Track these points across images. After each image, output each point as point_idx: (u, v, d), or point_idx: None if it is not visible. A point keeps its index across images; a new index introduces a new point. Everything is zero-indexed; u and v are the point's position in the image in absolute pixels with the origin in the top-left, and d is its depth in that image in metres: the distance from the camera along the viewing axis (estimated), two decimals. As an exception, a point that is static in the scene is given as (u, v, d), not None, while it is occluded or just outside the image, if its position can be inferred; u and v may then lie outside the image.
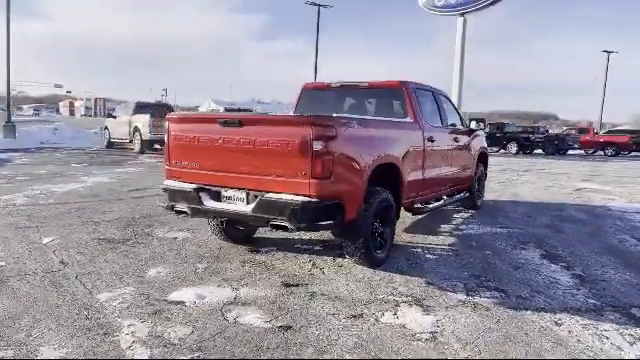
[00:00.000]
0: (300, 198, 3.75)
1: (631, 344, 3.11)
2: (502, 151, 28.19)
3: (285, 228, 3.86)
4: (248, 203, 4.07)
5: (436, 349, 2.94)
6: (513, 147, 27.81)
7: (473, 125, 7.05)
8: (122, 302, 3.54)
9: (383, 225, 4.53)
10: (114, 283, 3.92)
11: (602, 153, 32.06)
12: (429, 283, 4.12)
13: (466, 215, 7.24)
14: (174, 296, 3.69)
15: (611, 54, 48.91)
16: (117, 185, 9.34)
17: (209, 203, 4.21)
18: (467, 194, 7.06)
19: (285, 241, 5.38)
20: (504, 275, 4.41)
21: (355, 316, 3.40)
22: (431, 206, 5.70)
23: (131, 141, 18.43)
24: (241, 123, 4.00)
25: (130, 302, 3.54)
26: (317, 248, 5.13)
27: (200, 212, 4.33)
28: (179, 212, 4.41)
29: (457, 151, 6.44)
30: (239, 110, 21.00)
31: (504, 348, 2.98)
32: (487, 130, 29.08)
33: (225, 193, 4.18)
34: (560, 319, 3.44)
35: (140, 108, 18.42)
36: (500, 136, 28.62)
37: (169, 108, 19.72)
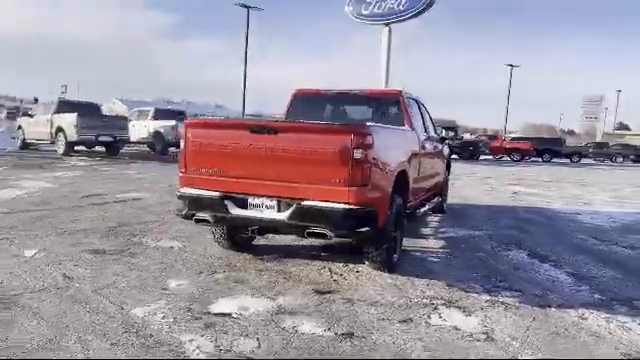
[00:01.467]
0: (341, 205, 3.78)
1: (651, 333, 3.49)
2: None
3: (323, 236, 3.87)
4: (279, 211, 4.02)
5: (500, 348, 3.11)
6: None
7: (444, 133, 7.43)
8: (165, 317, 3.35)
9: (396, 230, 4.67)
10: (141, 297, 3.70)
11: (508, 158, 34.86)
12: (450, 285, 4.31)
13: (436, 219, 7.59)
14: (215, 308, 3.56)
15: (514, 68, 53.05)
16: (64, 191, 8.65)
17: (236, 211, 4.10)
18: (439, 199, 7.41)
19: (285, 247, 5.34)
20: (509, 275, 4.73)
21: (405, 320, 3.49)
22: (422, 210, 5.93)
23: (53, 142, 17.09)
24: (275, 131, 3.95)
25: (173, 316, 3.36)
26: (323, 254, 5.15)
27: (225, 220, 4.20)
28: (199, 221, 4.24)
29: (436, 158, 6.76)
30: (181, 113, 20.67)
31: (557, 343, 3.22)
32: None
33: (253, 201, 4.09)
34: (583, 314, 3.78)
35: (64, 106, 17.15)
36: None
37: (96, 107, 18.56)
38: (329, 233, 3.80)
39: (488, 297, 4.06)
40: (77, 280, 4.01)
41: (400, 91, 5.60)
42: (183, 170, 4.32)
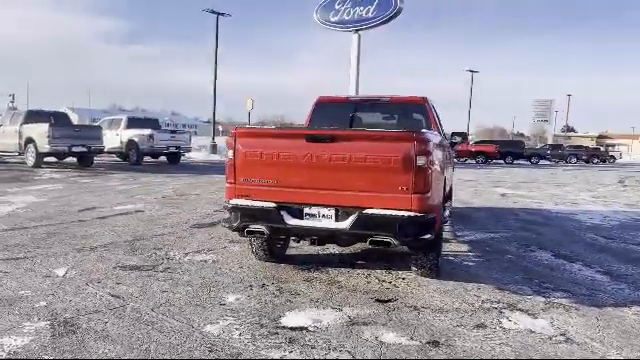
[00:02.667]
0: (405, 213, 3.76)
1: None
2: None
3: (387, 244, 3.84)
4: (337, 220, 3.96)
5: (585, 349, 3.16)
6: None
7: (455, 139, 7.53)
8: (242, 333, 3.23)
9: (442, 235, 4.69)
10: (205, 314, 3.55)
11: (474, 161, 35.82)
12: (500, 288, 4.35)
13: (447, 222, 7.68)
14: (287, 322, 3.45)
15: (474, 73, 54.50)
16: (57, 205, 8.25)
17: (292, 221, 4.01)
18: (450, 202, 7.51)
19: (316, 257, 5.29)
20: (549, 276, 4.82)
21: (480, 326, 3.50)
22: (447, 214, 5.98)
23: (21, 154, 16.32)
24: (333, 139, 3.89)
25: (251, 332, 3.24)
26: (358, 262, 5.11)
27: (281, 231, 4.10)
28: (251, 232, 4.12)
29: (451, 162, 6.85)
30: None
31: (634, 341, 3.30)
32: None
33: (309, 210, 4.01)
34: (638, 311, 3.89)
35: (32, 116, 16.42)
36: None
37: (65, 116, 17.87)
38: (394, 241, 3.77)
39: (542, 299, 4.12)
40: (128, 299, 3.81)
41: (425, 97, 5.65)
42: (232, 181, 4.19)
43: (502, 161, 36.93)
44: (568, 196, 12.58)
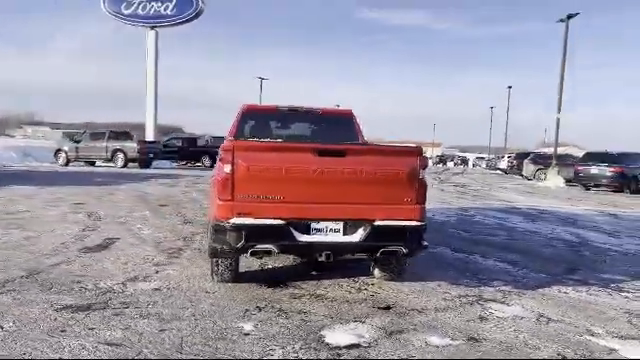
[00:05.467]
0: (411, 222, 4.02)
1: None
2: (197, 164, 29.24)
3: (394, 253, 4.03)
4: (345, 233, 3.99)
5: (571, 324, 3.90)
6: (207, 161, 29.15)
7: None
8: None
9: None
10: (247, 349, 3.22)
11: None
12: (454, 284, 4.94)
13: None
14: (334, 341, 3.38)
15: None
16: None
17: (303, 238, 3.87)
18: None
19: (269, 273, 5.15)
20: (472, 269, 5.64)
21: (482, 318, 3.98)
22: None
23: None
24: (344, 153, 3.90)
25: (317, 357, 3.10)
26: (313, 273, 5.13)
27: (291, 248, 3.91)
28: (256, 253, 3.83)
29: None
30: None
31: (591, 314, 4.21)
32: (178, 144, 29.73)
33: (316, 225, 3.93)
34: (559, 289, 4.91)
35: None
36: (192, 150, 29.66)
37: None
38: (404, 250, 3.99)
39: (492, 289, 4.84)
40: (132, 346, 3.18)
41: (351, 110, 5.95)
42: (228, 198, 3.82)
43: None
44: (518, 198, 14.37)
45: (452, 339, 3.52)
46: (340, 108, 6.08)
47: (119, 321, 3.59)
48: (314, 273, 5.14)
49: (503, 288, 4.86)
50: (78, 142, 24.55)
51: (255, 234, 3.81)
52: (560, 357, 3.29)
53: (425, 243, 4.19)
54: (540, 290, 4.85)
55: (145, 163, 24.49)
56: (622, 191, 19.52)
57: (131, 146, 23.64)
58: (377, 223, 3.95)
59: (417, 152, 4.07)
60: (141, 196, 11.60)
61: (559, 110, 24.79)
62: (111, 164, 23.84)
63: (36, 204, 9.55)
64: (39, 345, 3.14)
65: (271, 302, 4.15)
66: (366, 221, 3.97)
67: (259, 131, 5.65)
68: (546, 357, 3.29)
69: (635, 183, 19.63)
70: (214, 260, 4.40)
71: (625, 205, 14.55)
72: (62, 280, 4.55)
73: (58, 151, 24.56)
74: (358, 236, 3.97)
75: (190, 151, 29.37)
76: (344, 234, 4.00)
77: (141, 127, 33.12)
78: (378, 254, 4.04)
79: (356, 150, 4.08)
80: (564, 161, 24.82)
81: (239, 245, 3.79)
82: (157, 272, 4.96)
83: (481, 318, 3.98)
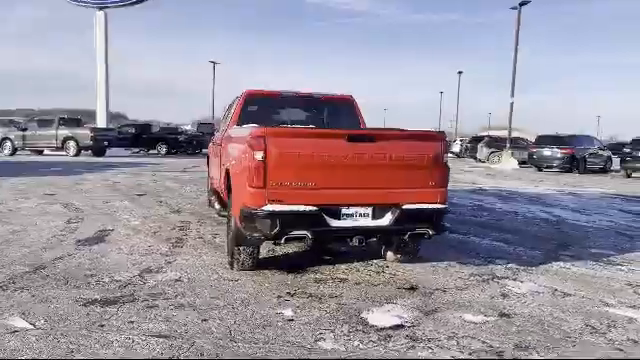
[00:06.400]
0: (437, 205, 4.13)
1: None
2: (152, 152, 28.43)
3: (422, 236, 4.13)
4: (374, 217, 4.05)
5: (585, 297, 4.15)
6: (163, 148, 28.39)
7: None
8: (362, 340, 3.12)
9: None
10: (296, 335, 3.24)
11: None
12: (463, 263, 5.12)
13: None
14: (378, 323, 3.45)
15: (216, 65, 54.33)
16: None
17: (335, 223, 3.90)
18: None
19: (280, 260, 5.15)
20: (475, 249, 5.85)
21: (504, 295, 4.16)
22: None
23: None
24: (374, 139, 3.94)
25: (369, 339, 3.16)
26: (326, 257, 5.18)
27: (324, 234, 3.91)
28: (290, 240, 3.82)
29: None
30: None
31: (598, 286, 4.48)
32: (132, 131, 28.81)
33: (346, 211, 3.97)
34: (559, 265, 5.19)
35: None
36: (147, 137, 28.77)
37: None
38: (431, 232, 4.09)
39: (501, 267, 5.06)
40: (185, 337, 3.14)
41: (352, 96, 5.98)
42: (260, 185, 3.79)
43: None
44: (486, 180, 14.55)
45: (485, 315, 3.67)
46: (343, 94, 6.07)
47: (157, 313, 3.51)
48: (327, 257, 5.19)
49: (510, 266, 5.08)
50: (25, 130, 23.24)
51: (290, 221, 3.80)
52: (594, 330, 3.50)
53: (447, 225, 4.32)
54: (543, 267, 5.11)
55: (99, 151, 23.57)
56: (571, 172, 20.66)
57: (84, 133, 22.63)
58: (405, 207, 4.04)
59: (441, 137, 4.17)
60: (111, 185, 11.21)
61: (512, 94, 25.80)
62: (62, 152, 22.75)
63: (5, 196, 9.03)
64: (84, 341, 3.03)
65: (299, 288, 4.17)
66: (394, 205, 4.05)
67: (262, 117, 5.58)
68: (576, 328, 3.49)
69: (584, 164, 20.81)
70: (236, 248, 4.36)
71: (579, 184, 15.43)
72: (74, 274, 4.38)
73: (4, 139, 23.17)
74: (387, 220, 4.04)
75: (144, 138, 28.50)
76: (373, 218, 4.06)
77: (89, 113, 31.78)
78: (406, 237, 4.13)
79: (385, 135, 4.13)
80: (517, 144, 25.93)
81: (275, 232, 3.78)
82: (169, 263, 4.85)
83: (503, 295, 4.17)
